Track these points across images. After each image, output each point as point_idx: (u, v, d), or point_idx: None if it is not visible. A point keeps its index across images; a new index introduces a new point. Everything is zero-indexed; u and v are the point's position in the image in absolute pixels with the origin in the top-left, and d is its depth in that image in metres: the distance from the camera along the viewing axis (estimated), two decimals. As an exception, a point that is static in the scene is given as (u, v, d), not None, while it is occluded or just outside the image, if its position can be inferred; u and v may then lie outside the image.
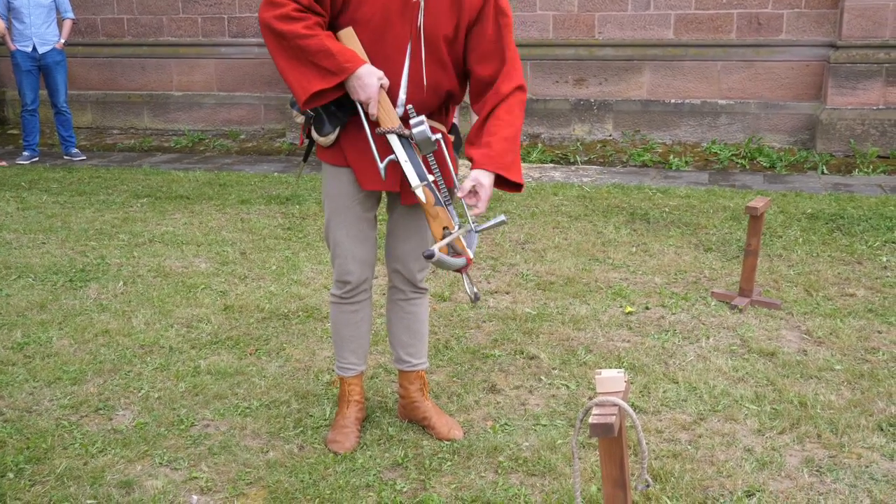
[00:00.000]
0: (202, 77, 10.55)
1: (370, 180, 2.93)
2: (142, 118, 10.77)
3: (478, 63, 2.89)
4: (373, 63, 2.78)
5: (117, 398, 3.58)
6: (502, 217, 2.81)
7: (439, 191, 2.82)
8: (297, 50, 2.71)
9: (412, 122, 2.76)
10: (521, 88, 2.90)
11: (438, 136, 2.79)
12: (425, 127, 2.74)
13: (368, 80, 2.73)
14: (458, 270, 2.80)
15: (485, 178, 2.79)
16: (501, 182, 2.87)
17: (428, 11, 2.77)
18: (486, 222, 2.81)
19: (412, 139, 2.77)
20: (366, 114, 2.82)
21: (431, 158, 2.85)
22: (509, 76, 2.88)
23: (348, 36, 2.79)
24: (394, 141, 2.80)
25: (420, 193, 2.79)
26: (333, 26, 2.81)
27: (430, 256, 2.64)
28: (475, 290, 2.86)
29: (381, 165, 2.82)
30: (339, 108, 2.86)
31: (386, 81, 2.77)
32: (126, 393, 3.63)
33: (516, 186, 2.89)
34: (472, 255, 2.79)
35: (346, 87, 2.77)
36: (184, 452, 3.15)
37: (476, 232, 2.82)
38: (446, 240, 2.77)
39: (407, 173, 2.80)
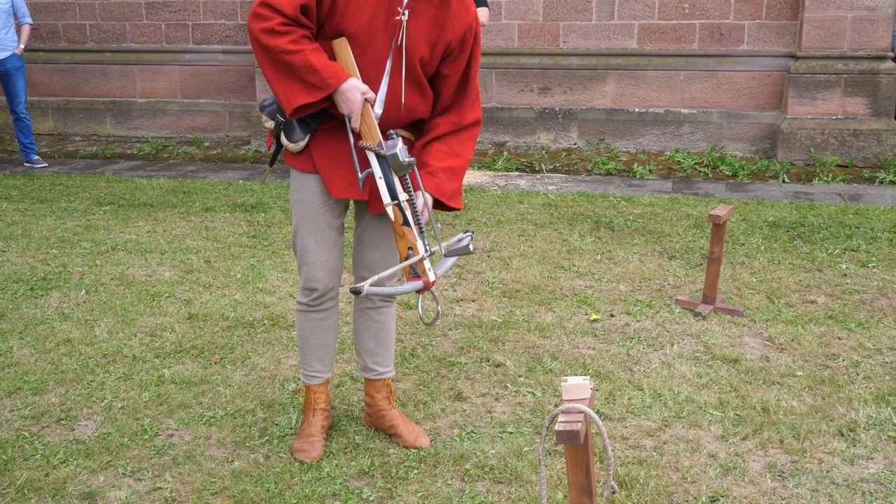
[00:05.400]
0: (166, 84, 10.47)
1: (338, 187, 2.94)
2: (104, 125, 10.66)
3: (445, 88, 2.97)
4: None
5: (80, 408, 3.54)
6: (467, 243, 2.83)
7: (410, 210, 2.81)
8: (282, 64, 2.73)
9: (388, 143, 2.77)
10: (478, 123, 3.04)
11: (413, 159, 2.78)
12: (397, 151, 2.74)
13: (351, 95, 2.75)
14: (418, 292, 2.79)
15: (428, 198, 2.91)
16: (440, 204, 2.98)
17: (410, 30, 2.79)
18: (453, 240, 2.83)
19: (387, 161, 2.78)
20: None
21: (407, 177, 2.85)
22: (473, 108, 3.02)
23: (341, 46, 2.80)
24: (371, 156, 2.82)
25: (389, 212, 2.80)
26: (320, 35, 2.82)
27: (356, 292, 2.60)
28: (439, 310, 2.85)
29: (361, 177, 2.84)
30: (310, 115, 2.87)
31: (371, 95, 2.79)
32: (89, 403, 3.59)
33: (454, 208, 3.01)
34: (432, 279, 2.78)
35: (333, 100, 2.78)
36: (148, 463, 3.12)
37: (445, 256, 2.83)
38: (392, 269, 2.79)
39: (380, 189, 2.81)
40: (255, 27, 2.73)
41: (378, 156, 2.80)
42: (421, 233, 2.80)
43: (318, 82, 2.73)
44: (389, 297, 3.22)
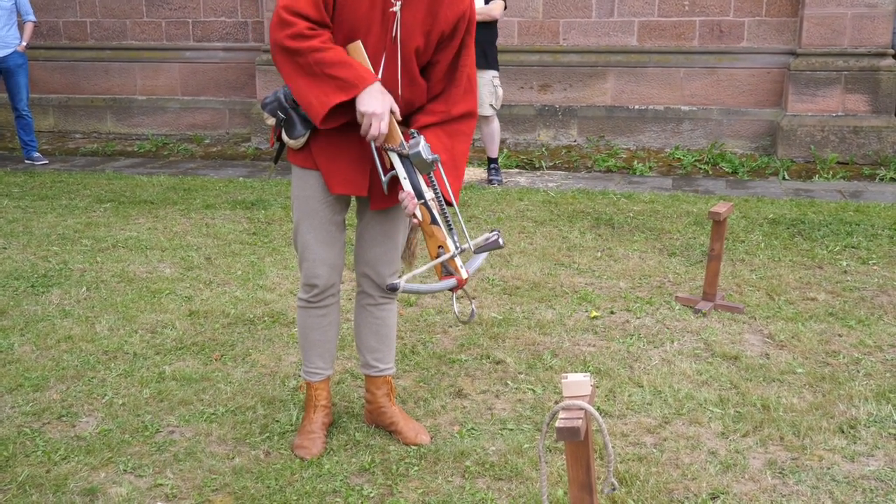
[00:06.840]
0: (166, 81, 10.47)
1: (338, 183, 2.93)
2: (105, 122, 10.66)
3: (434, 75, 2.93)
4: None
5: (81, 405, 3.54)
6: (496, 238, 2.77)
7: (437, 208, 2.77)
8: (313, 65, 2.70)
9: (410, 142, 2.75)
10: (470, 115, 2.96)
11: (437, 156, 2.74)
12: (420, 149, 2.71)
13: (384, 95, 2.72)
14: (452, 290, 2.74)
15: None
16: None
17: (404, 20, 2.78)
18: (480, 239, 2.77)
19: (410, 159, 2.75)
20: None
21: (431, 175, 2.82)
22: (463, 99, 2.94)
23: (356, 49, 2.78)
24: (394, 157, 2.79)
25: (417, 212, 2.76)
26: None
27: (393, 289, 2.56)
28: (473, 308, 2.80)
29: (384, 180, 2.82)
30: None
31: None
32: (90, 399, 3.59)
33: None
34: (465, 276, 2.73)
35: (357, 100, 2.73)
36: (148, 459, 3.12)
37: (475, 252, 2.79)
38: (427, 266, 2.75)
39: (405, 190, 2.77)
40: (280, 35, 2.69)
41: (401, 156, 2.78)
42: (450, 230, 2.77)
43: (352, 77, 2.69)
44: (390, 294, 3.20)
